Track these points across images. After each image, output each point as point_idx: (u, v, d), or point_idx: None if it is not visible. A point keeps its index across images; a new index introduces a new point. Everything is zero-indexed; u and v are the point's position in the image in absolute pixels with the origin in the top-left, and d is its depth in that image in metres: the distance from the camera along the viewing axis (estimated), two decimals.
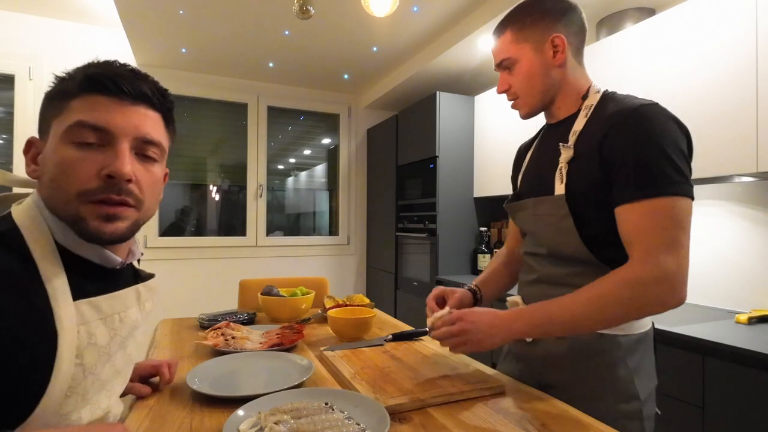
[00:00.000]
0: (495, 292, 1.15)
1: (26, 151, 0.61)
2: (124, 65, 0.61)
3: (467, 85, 3.38)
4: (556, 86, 0.94)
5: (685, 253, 0.76)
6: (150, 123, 0.61)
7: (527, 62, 0.93)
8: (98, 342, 0.58)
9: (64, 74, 0.60)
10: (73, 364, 0.54)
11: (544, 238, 0.95)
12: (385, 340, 1.19)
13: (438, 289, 1.06)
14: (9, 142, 3.00)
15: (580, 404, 0.82)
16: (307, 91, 3.94)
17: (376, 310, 1.44)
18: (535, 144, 1.06)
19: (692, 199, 0.78)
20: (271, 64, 3.34)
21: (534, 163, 1.02)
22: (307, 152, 4.11)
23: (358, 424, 0.69)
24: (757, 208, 1.82)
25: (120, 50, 3.23)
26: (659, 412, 0.92)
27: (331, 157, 4.16)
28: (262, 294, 1.51)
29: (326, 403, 0.75)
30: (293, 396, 0.79)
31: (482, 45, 2.66)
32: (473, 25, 2.49)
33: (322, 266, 3.99)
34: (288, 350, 1.14)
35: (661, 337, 1.55)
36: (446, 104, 2.98)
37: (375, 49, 3.01)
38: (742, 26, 1.56)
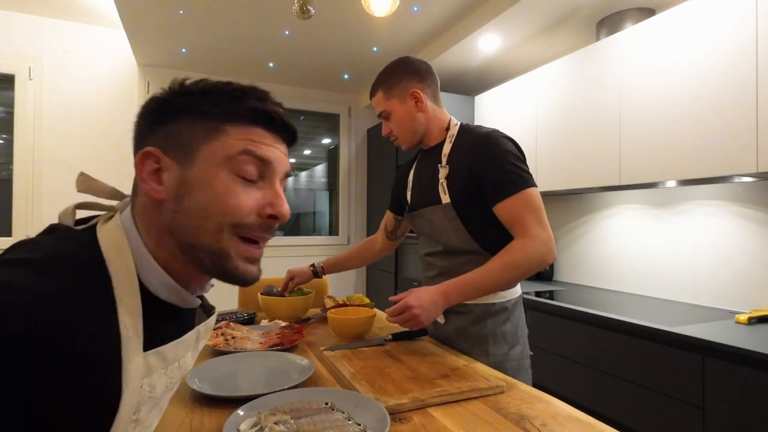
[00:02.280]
0: (338, 268, 1.58)
1: (141, 165, 0.52)
2: (277, 101, 0.58)
3: (468, 86, 3.38)
4: (423, 125, 1.25)
5: (547, 224, 1.09)
6: (287, 159, 0.60)
7: (398, 112, 1.23)
8: (156, 394, 0.51)
9: (199, 90, 0.53)
10: (130, 421, 0.47)
11: (440, 238, 1.22)
12: (385, 340, 1.19)
13: (287, 275, 1.52)
14: (9, 142, 3.00)
15: (484, 357, 1.12)
16: (307, 91, 3.94)
17: (376, 310, 1.44)
18: (414, 166, 1.36)
19: (536, 186, 1.11)
20: (271, 64, 3.34)
21: (417, 181, 1.32)
22: (307, 152, 4.11)
23: (358, 424, 0.69)
24: (757, 208, 1.82)
25: (120, 50, 3.23)
26: (532, 353, 1.24)
27: (331, 157, 4.16)
28: (261, 294, 1.51)
29: (326, 403, 0.75)
30: (293, 396, 0.79)
31: (482, 45, 2.66)
32: (473, 25, 2.49)
33: None
34: (288, 350, 1.14)
35: (661, 337, 1.56)
36: (446, 104, 2.92)
37: (375, 49, 3.01)
38: (742, 26, 1.56)
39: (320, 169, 4.16)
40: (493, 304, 1.17)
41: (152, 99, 0.54)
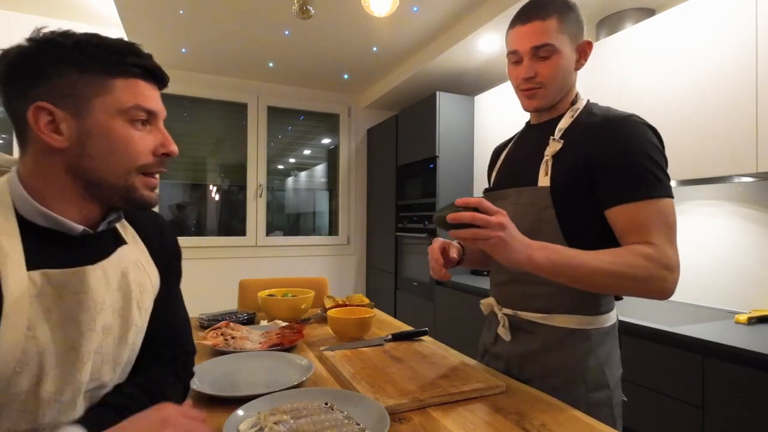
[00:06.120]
0: (474, 257, 1.15)
1: (35, 118, 0.58)
2: (147, 53, 0.67)
3: (467, 86, 3.38)
4: (567, 88, 0.97)
5: (678, 251, 0.84)
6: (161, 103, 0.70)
7: (564, 56, 0.92)
8: (54, 319, 0.57)
9: (73, 43, 0.59)
10: (23, 335, 0.54)
11: (519, 228, 0.87)
12: (385, 340, 1.19)
13: (439, 241, 1.02)
14: (9, 142, 3.00)
15: (554, 395, 0.88)
16: (307, 91, 3.94)
17: (375, 310, 1.44)
18: (512, 143, 1.11)
19: (673, 198, 0.86)
20: (271, 64, 3.34)
21: (511, 158, 1.07)
22: (307, 152, 4.11)
23: (358, 424, 0.69)
24: (757, 208, 1.82)
25: None
26: (625, 399, 0.97)
27: (331, 157, 4.16)
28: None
29: (326, 403, 0.75)
30: (293, 396, 0.79)
31: (482, 45, 2.65)
32: (473, 25, 2.49)
33: (322, 266, 3.99)
34: (288, 350, 1.14)
35: (661, 337, 1.55)
36: (446, 104, 2.98)
37: (375, 49, 3.01)
38: (742, 26, 1.56)
39: (320, 169, 4.16)
40: (573, 330, 0.92)
41: (18, 53, 0.58)
